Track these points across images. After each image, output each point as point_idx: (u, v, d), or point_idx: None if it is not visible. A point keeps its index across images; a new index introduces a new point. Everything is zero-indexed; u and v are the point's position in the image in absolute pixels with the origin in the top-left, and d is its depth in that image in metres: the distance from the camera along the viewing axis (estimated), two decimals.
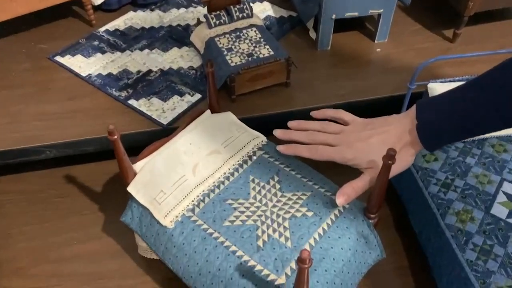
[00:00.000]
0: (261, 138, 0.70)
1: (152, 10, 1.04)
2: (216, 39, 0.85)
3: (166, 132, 0.77)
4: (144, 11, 1.04)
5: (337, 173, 0.63)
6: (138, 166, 0.64)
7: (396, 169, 0.56)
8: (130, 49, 0.93)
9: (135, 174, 0.63)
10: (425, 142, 0.55)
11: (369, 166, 0.57)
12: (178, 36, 0.97)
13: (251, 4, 0.89)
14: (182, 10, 1.04)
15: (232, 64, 0.80)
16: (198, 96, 0.84)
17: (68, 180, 0.82)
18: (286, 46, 0.88)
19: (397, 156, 0.52)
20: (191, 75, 0.88)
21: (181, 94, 0.84)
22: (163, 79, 0.87)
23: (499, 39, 0.97)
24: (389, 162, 0.52)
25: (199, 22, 0.91)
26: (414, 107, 0.57)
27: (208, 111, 0.73)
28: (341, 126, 0.62)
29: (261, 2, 1.06)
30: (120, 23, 1.00)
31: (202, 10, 1.03)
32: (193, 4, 1.05)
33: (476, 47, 0.95)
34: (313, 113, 0.66)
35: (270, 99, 0.84)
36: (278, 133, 0.64)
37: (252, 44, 0.84)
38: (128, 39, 0.96)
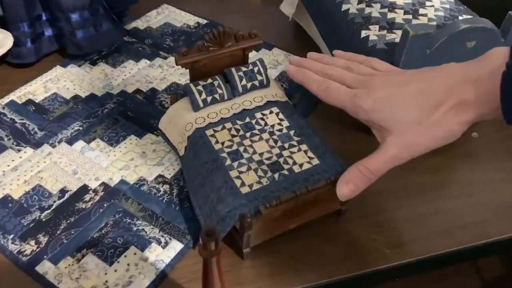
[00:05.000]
0: None
1: (93, 63, 0.63)
2: (208, 131, 0.46)
3: None
4: (79, 65, 0.63)
5: None
6: None
7: (432, 142, 0.39)
8: (51, 141, 0.53)
9: None
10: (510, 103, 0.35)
11: (392, 128, 0.40)
12: (136, 113, 0.57)
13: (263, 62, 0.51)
14: (144, 63, 0.64)
15: (244, 192, 0.41)
16: (177, 245, 0.44)
17: None
18: (319, 126, 0.50)
19: (438, 121, 0.38)
20: (160, 198, 0.48)
21: (144, 244, 0.44)
22: (108, 209, 0.46)
23: None
24: None
25: (175, 96, 0.51)
26: (498, 50, 0.37)
27: None
28: (374, 71, 0.45)
29: (270, 49, 0.68)
30: (36, 88, 0.59)
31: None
32: (161, 52, 0.66)
33: None
34: (336, 52, 0.50)
35: (310, 247, 0.45)
36: (290, 59, 0.50)
37: (275, 142, 0.45)
38: (49, 121, 0.55)
